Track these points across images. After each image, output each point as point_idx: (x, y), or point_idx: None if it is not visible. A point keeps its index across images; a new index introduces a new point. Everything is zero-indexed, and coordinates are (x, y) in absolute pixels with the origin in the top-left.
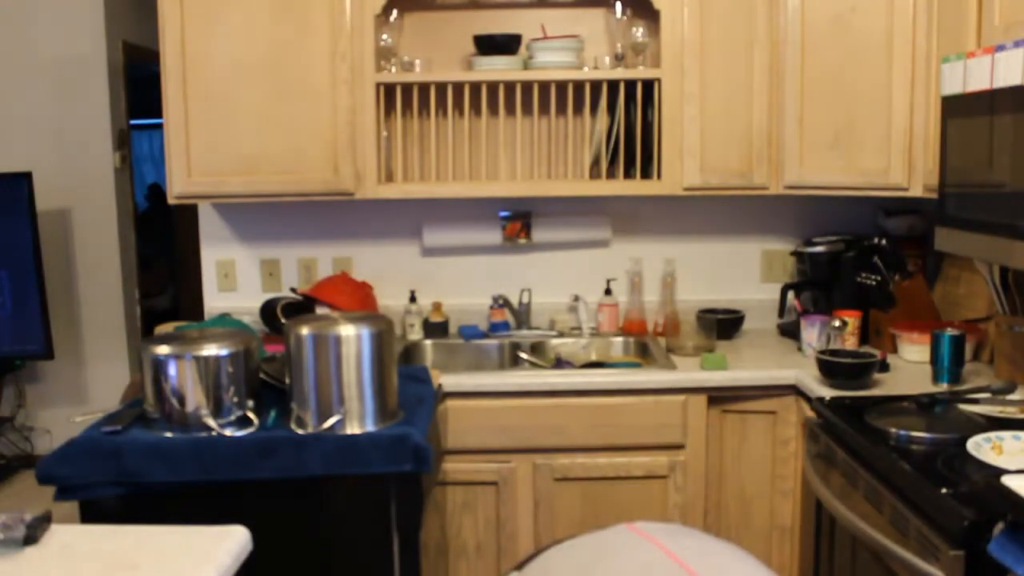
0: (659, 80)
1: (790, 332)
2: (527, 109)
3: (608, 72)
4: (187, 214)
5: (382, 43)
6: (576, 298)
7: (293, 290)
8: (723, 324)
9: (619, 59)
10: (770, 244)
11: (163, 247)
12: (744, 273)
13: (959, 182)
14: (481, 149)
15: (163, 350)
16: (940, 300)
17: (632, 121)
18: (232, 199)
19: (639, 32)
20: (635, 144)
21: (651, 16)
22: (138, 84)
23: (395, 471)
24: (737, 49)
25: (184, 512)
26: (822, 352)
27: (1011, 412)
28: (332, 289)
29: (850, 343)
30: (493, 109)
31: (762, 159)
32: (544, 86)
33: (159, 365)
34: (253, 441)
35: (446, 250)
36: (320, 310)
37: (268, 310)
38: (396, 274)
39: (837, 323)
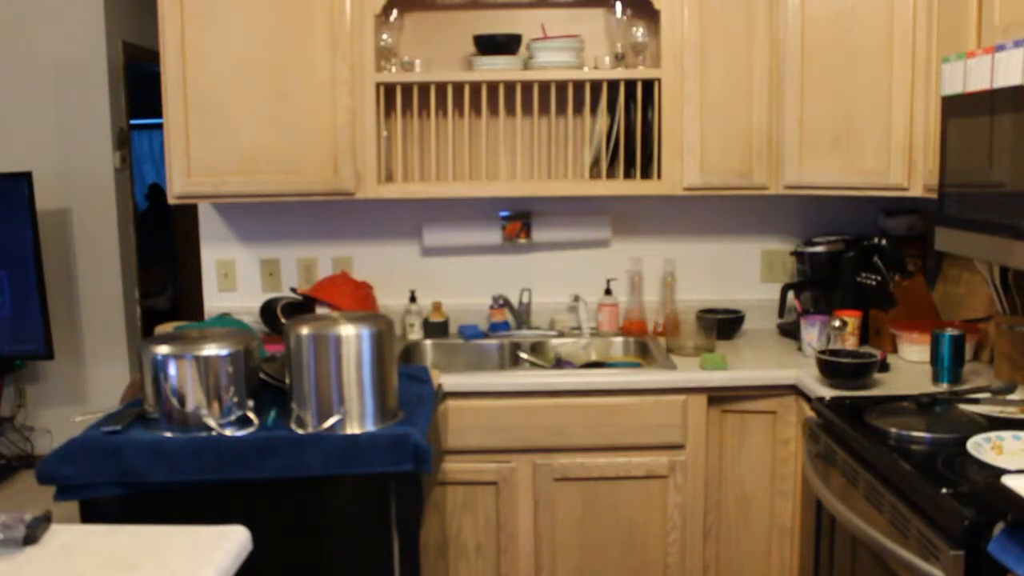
0: (659, 80)
1: (790, 332)
2: (527, 109)
3: (608, 72)
4: (187, 214)
5: (382, 43)
6: (576, 298)
7: (293, 290)
8: (723, 324)
9: (619, 59)
10: (770, 244)
11: (163, 247)
12: (744, 273)
13: (959, 182)
14: (481, 149)
15: (163, 350)
16: (940, 300)
17: (632, 121)
18: (232, 199)
19: (639, 32)
20: (635, 144)
21: (651, 16)
22: (138, 84)
23: (395, 471)
24: (737, 49)
25: (184, 512)
26: (822, 352)
27: (1011, 412)
28: (332, 289)
29: (850, 343)
30: (493, 109)
31: (762, 159)
32: (544, 86)
33: (159, 365)
34: (253, 441)
35: (446, 250)
36: (320, 310)
37: (268, 310)
38: (396, 274)
39: (837, 323)
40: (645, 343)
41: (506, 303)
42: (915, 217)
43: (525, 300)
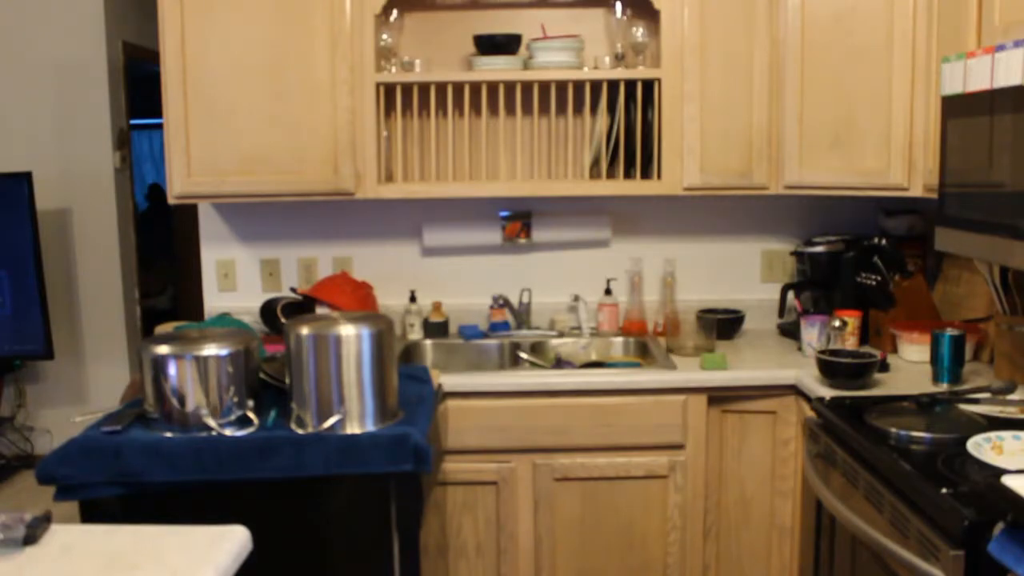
0: (659, 80)
1: (790, 332)
2: (527, 109)
3: (608, 72)
4: (187, 214)
5: (382, 43)
6: (576, 298)
7: (293, 290)
8: (723, 324)
9: (619, 59)
10: (770, 244)
11: (163, 247)
12: (744, 273)
13: (959, 182)
14: (481, 149)
15: (163, 350)
16: (940, 300)
17: (632, 121)
18: (232, 199)
19: (639, 32)
20: (635, 144)
21: (651, 16)
22: (138, 84)
23: (395, 471)
24: (737, 49)
25: (184, 512)
26: (822, 352)
27: (1011, 412)
28: (332, 289)
29: (850, 343)
30: (493, 109)
31: (762, 159)
32: (544, 86)
33: (159, 365)
34: (253, 441)
35: (446, 250)
36: (320, 310)
37: (268, 310)
38: (396, 274)
39: (837, 323)
40: (645, 343)
41: (506, 303)
42: (915, 217)
43: (525, 300)
